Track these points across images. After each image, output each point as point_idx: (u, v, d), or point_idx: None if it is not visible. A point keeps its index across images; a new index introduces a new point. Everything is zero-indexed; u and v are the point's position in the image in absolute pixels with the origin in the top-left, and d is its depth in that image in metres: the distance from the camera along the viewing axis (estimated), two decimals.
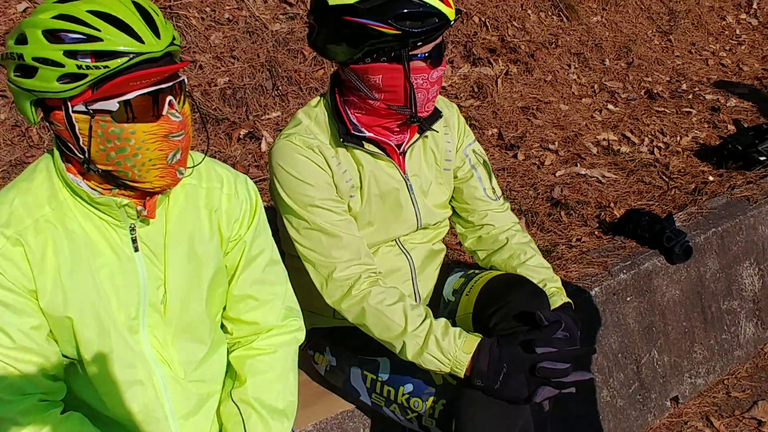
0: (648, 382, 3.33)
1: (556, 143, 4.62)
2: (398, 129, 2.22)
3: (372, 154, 2.21)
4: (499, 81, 4.91)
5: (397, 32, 1.98)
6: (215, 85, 4.23)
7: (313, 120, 2.21)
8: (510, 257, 2.38)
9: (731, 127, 5.05)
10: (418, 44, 2.03)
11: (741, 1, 7.59)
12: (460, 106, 4.59)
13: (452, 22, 2.06)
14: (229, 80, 4.28)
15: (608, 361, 3.20)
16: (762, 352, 3.85)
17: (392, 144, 2.23)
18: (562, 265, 3.34)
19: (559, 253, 3.45)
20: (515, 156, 4.38)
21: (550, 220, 3.78)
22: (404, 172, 2.27)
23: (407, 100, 2.10)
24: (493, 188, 2.47)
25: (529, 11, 5.79)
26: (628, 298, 3.30)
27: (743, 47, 6.91)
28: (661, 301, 3.44)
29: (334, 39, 2.07)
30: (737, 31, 7.16)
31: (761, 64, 6.65)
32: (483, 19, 5.37)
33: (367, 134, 2.18)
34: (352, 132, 2.16)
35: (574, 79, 5.45)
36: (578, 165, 4.40)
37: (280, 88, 4.38)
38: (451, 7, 2.04)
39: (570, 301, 2.31)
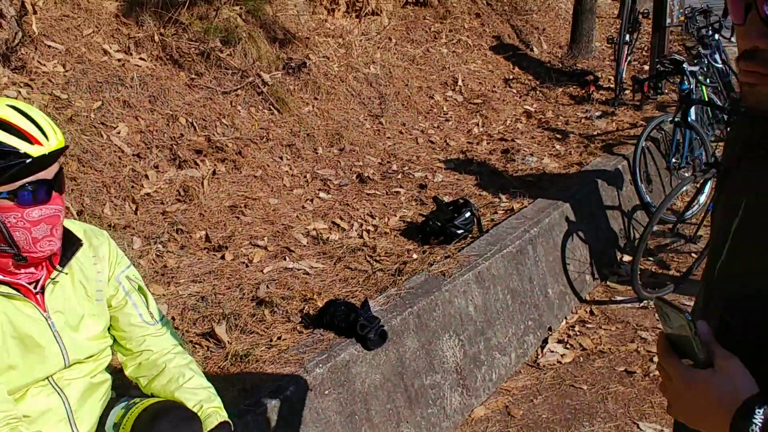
0: None
1: (266, 239, 4.69)
2: (16, 269, 2.17)
3: (5, 295, 2.14)
4: (206, 182, 4.95)
5: None
6: None
7: None
8: (168, 382, 2.40)
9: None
10: None
11: (447, 79, 8.14)
12: (165, 211, 4.59)
13: (34, 158, 2.02)
14: None
15: None
16: (469, 419, 4.05)
17: (23, 283, 2.18)
18: (259, 367, 3.37)
19: (257, 356, 3.47)
20: (223, 257, 4.41)
21: (254, 321, 3.81)
22: (44, 310, 2.22)
23: (5, 239, 2.08)
24: (151, 313, 2.50)
25: (239, 107, 5.91)
26: (326, 392, 3.38)
27: (450, 123, 7.39)
28: (362, 388, 3.55)
29: None
30: (445, 108, 7.65)
31: (467, 137, 7.14)
32: (190, 120, 5.42)
33: None
34: None
35: (286, 171, 5.58)
36: (287, 259, 4.49)
37: None
38: (41, 144, 2.02)
39: (228, 420, 2.35)
